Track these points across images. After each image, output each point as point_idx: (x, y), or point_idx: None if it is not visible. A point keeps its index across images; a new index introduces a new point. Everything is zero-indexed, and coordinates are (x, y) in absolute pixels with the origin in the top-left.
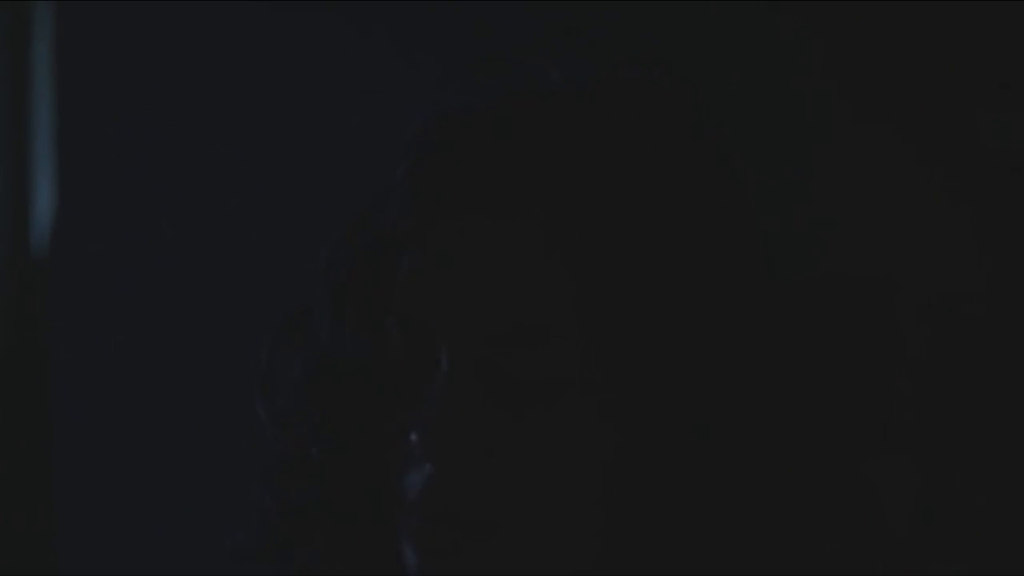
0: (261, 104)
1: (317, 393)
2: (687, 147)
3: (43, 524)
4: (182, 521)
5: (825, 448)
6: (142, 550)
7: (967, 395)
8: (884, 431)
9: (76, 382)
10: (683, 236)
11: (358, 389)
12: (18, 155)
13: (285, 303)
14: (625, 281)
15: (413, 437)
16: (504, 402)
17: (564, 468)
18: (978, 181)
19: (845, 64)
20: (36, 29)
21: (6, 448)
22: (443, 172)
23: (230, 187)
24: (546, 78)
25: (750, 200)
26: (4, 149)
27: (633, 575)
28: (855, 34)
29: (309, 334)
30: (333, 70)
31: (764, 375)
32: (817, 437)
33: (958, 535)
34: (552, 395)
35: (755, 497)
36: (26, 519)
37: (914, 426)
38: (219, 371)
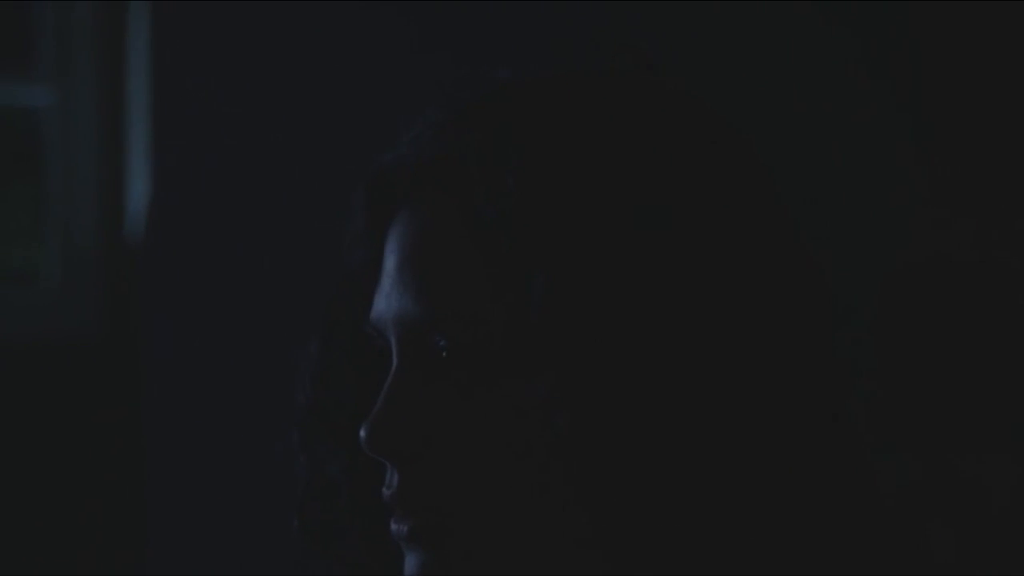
0: (349, 99)
1: (320, 416)
2: (615, 133)
3: (135, 509)
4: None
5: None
6: (229, 538)
7: None
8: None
9: (167, 366)
10: (592, 214)
11: (358, 407)
12: (114, 147)
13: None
14: (540, 262)
15: (360, 433)
16: (443, 390)
17: (508, 455)
18: None
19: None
20: (132, 25)
21: (99, 434)
22: (382, 181)
23: (320, 180)
24: (495, 76)
25: (716, 188)
26: (101, 141)
27: (600, 558)
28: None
29: (308, 361)
30: (427, 75)
31: (694, 358)
32: (752, 423)
33: None
34: (486, 380)
35: (716, 483)
36: (119, 504)
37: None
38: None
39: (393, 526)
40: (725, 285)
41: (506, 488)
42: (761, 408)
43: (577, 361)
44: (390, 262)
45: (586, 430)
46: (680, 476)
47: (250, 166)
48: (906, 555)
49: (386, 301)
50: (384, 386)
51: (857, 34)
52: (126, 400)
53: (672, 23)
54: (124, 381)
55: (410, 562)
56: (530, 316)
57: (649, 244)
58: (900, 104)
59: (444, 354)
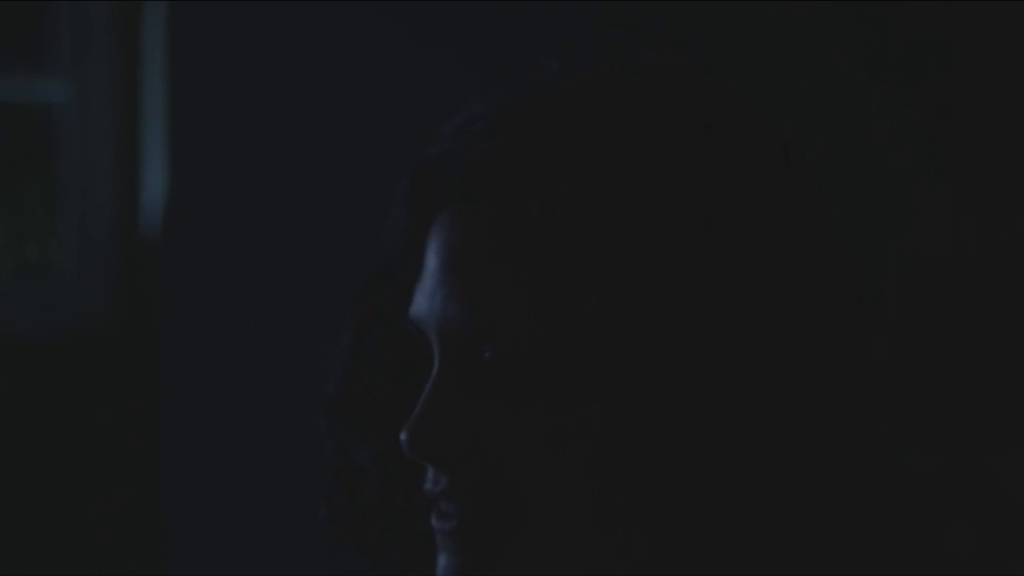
0: (366, 93)
1: (352, 405)
2: (659, 139)
3: (151, 505)
4: (284, 505)
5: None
6: (246, 532)
7: None
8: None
9: (183, 360)
10: (652, 233)
11: (391, 397)
12: (130, 142)
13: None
14: (595, 282)
15: (401, 436)
16: (487, 398)
17: (553, 468)
18: None
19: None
20: (147, 20)
21: (115, 428)
22: (427, 174)
23: (336, 173)
24: (543, 70)
25: (758, 198)
26: (116, 135)
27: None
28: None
29: (338, 350)
30: (453, 71)
31: (723, 365)
32: (809, 429)
33: None
34: (532, 393)
35: (759, 487)
36: (135, 499)
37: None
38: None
39: (435, 522)
40: (783, 309)
41: (549, 497)
42: (810, 420)
43: (633, 386)
44: (433, 262)
45: (640, 454)
46: (732, 497)
47: (265, 159)
48: (926, 553)
49: (429, 302)
50: (426, 388)
51: (866, 34)
52: (142, 395)
53: (683, 20)
54: (140, 376)
55: (443, 561)
56: (583, 335)
57: (707, 265)
58: (912, 103)
59: (488, 364)
